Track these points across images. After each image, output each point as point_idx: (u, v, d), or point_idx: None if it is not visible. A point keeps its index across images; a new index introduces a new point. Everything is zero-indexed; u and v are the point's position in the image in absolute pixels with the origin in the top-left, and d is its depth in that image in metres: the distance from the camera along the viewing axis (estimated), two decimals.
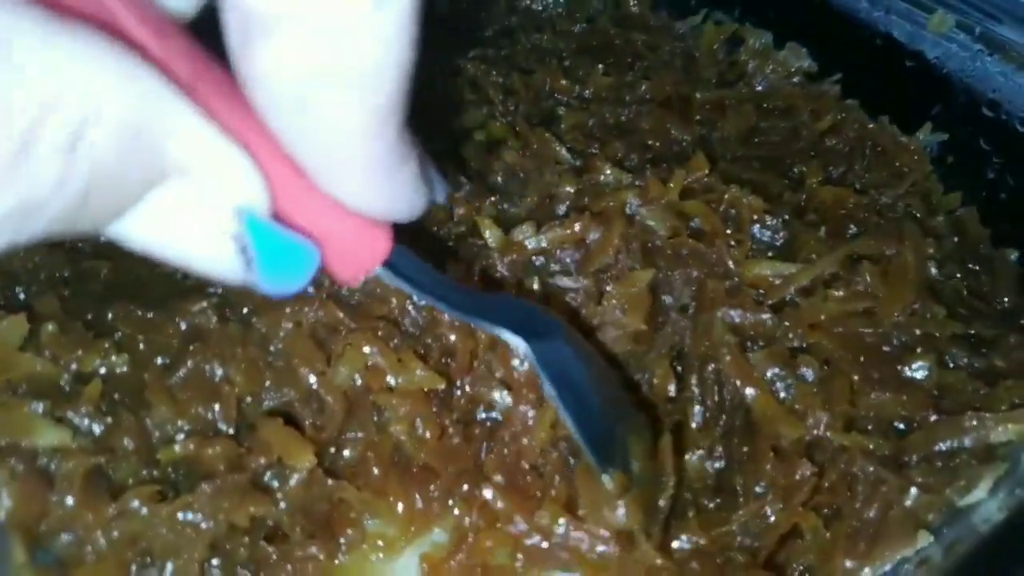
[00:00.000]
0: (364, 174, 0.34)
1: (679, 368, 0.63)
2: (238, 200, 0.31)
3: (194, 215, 0.30)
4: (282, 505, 0.52)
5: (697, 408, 0.61)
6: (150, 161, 0.28)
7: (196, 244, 0.31)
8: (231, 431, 0.54)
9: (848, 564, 0.49)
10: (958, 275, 0.68)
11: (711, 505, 0.58)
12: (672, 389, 0.61)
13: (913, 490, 0.50)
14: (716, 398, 0.60)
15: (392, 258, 0.40)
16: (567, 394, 0.51)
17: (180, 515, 0.50)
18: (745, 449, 0.58)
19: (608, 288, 0.63)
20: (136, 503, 0.47)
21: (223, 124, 0.30)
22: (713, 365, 0.61)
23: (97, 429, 0.50)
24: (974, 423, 0.53)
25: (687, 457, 0.59)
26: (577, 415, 0.51)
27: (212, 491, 0.50)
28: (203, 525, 0.50)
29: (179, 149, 0.28)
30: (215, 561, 0.51)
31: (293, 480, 0.53)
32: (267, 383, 0.56)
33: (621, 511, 0.51)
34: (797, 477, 0.53)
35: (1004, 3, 0.76)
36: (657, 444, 0.56)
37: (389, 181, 0.35)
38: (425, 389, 0.59)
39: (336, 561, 0.55)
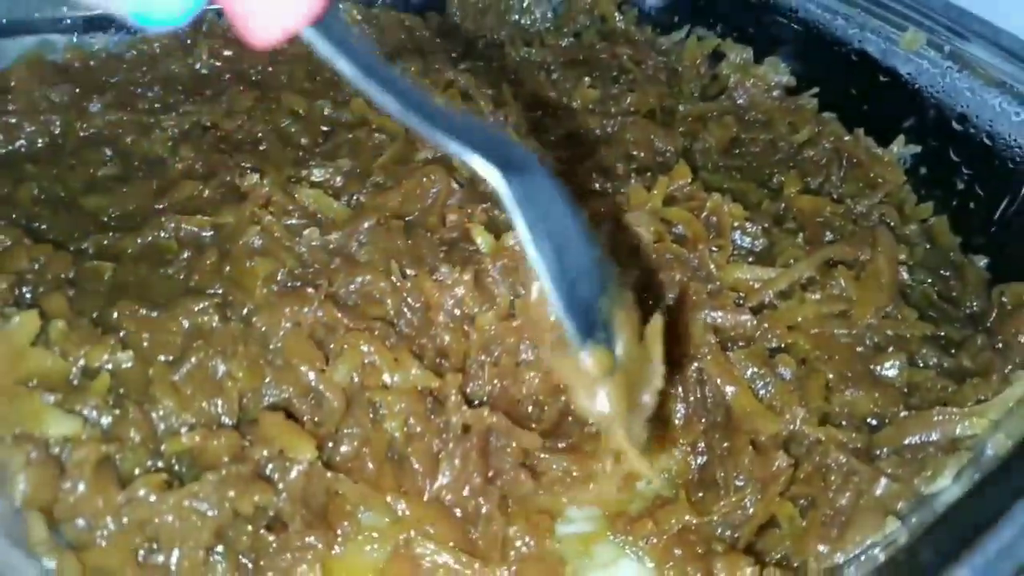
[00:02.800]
0: None
1: None
2: None
3: None
4: (283, 496, 0.54)
5: (680, 406, 0.63)
6: None
7: None
8: (233, 424, 0.56)
9: (821, 549, 0.52)
10: (929, 280, 0.71)
11: (694, 499, 0.61)
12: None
13: (883, 480, 0.53)
14: (698, 395, 0.63)
15: (324, 19, 0.32)
16: (546, 243, 0.41)
17: (186, 502, 0.51)
18: (726, 444, 0.60)
19: None
20: (144, 491, 0.49)
21: None
22: (695, 364, 0.64)
23: (105, 421, 0.52)
24: (942, 418, 0.56)
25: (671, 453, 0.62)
26: (556, 271, 0.42)
27: (217, 480, 0.52)
28: (208, 513, 0.52)
29: None
30: (219, 548, 0.53)
31: (293, 472, 0.54)
32: (267, 379, 0.59)
33: (602, 398, 0.45)
34: (774, 469, 0.55)
35: (971, 23, 0.80)
36: (645, 327, 0.48)
37: None
38: (419, 387, 0.61)
39: (333, 551, 0.57)
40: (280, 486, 0.55)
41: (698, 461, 0.62)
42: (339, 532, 0.57)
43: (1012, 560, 0.37)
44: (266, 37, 0.31)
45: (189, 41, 0.90)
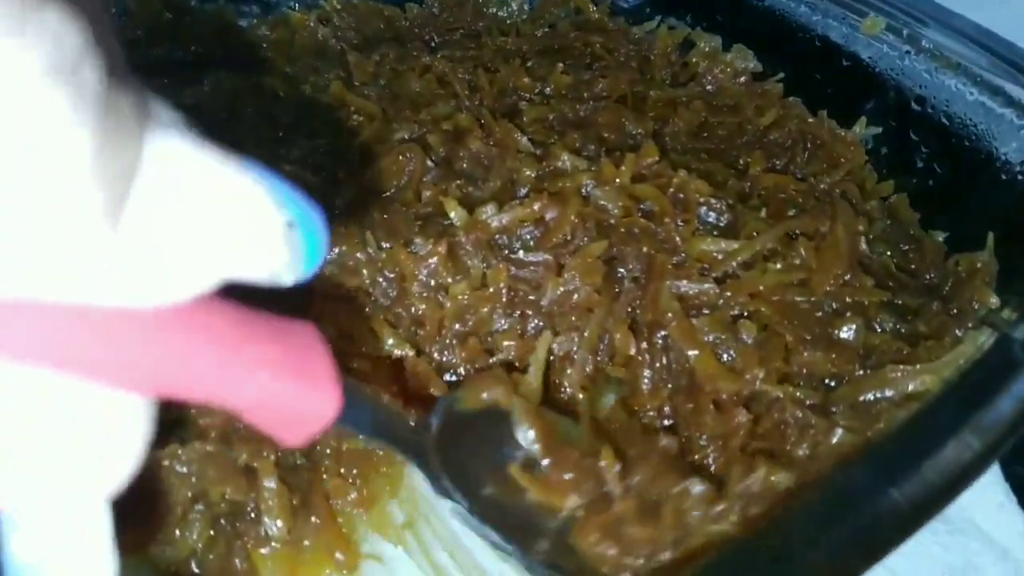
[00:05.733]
0: None
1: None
2: None
3: None
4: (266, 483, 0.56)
5: (647, 372, 0.66)
6: None
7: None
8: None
9: None
10: (888, 252, 0.74)
11: None
12: (632, 349, 0.66)
13: (838, 430, 0.55)
14: (664, 361, 0.65)
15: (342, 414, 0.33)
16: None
17: (166, 462, 0.53)
18: (690, 406, 0.62)
19: (566, 261, 0.68)
20: None
21: None
22: (661, 332, 0.66)
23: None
24: (896, 375, 0.59)
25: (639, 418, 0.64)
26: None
27: (202, 453, 0.54)
28: (190, 477, 0.53)
29: None
30: (199, 506, 0.55)
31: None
32: None
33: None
34: (733, 424, 0.57)
35: (929, 8, 0.83)
36: None
37: None
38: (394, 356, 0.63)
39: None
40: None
41: (664, 424, 0.64)
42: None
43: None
44: (298, 443, 0.32)
45: (173, 27, 0.92)
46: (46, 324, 0.24)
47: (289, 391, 0.30)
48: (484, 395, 0.59)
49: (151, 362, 0.26)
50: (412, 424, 0.54)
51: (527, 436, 0.57)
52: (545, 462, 0.56)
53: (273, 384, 0.29)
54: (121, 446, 0.28)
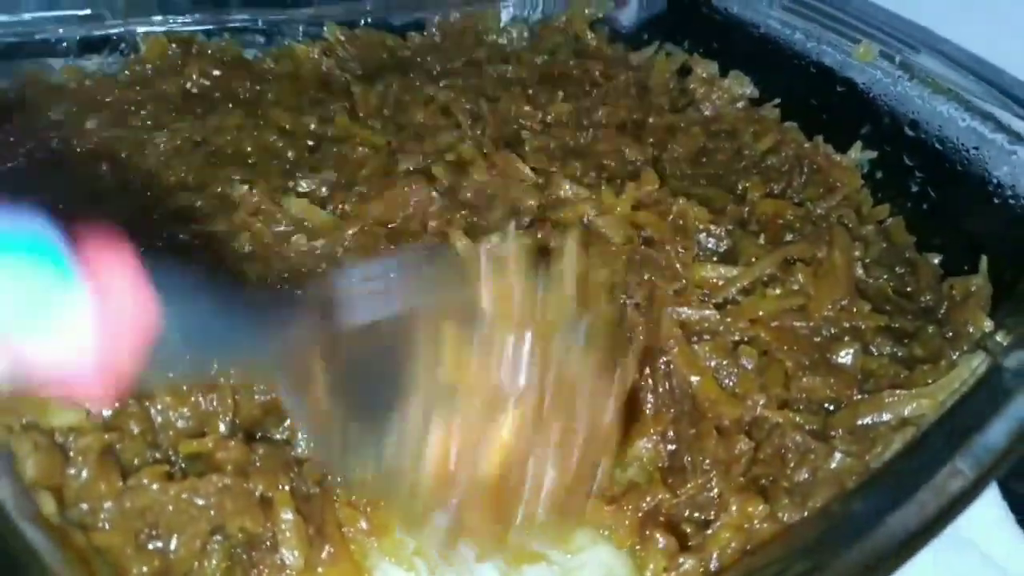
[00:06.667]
0: None
1: None
2: None
3: None
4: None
5: (650, 397, 0.67)
6: None
7: None
8: (227, 420, 0.60)
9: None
10: (884, 276, 0.76)
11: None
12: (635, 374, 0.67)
13: (837, 455, 0.56)
14: (666, 387, 0.67)
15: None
16: None
17: (185, 495, 0.54)
18: (692, 431, 0.64)
19: None
20: (146, 480, 0.52)
21: None
22: (664, 358, 0.67)
23: (106, 413, 0.55)
24: (892, 400, 0.60)
25: (643, 442, 0.66)
26: None
27: (220, 487, 0.55)
28: (207, 509, 0.55)
29: None
30: (217, 537, 0.56)
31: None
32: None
33: None
34: (736, 451, 0.59)
35: (920, 34, 0.85)
36: None
37: None
38: None
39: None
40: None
41: (668, 448, 0.66)
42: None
43: None
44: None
45: (180, 62, 0.94)
46: None
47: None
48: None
49: None
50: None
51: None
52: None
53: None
54: None
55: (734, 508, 0.57)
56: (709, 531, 0.57)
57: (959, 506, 0.42)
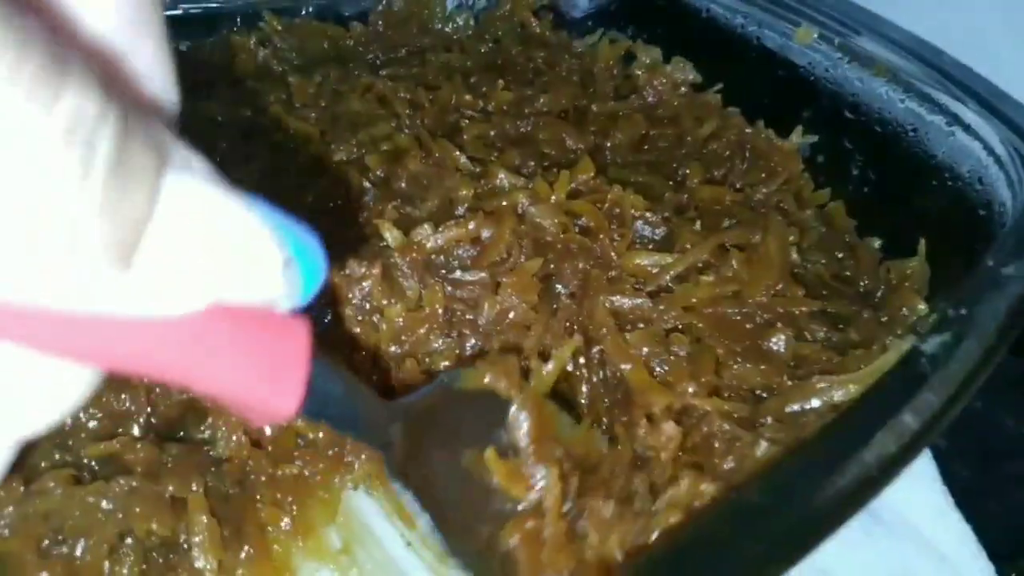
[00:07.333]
0: None
1: None
2: None
3: None
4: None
5: (584, 387, 0.66)
6: None
7: None
8: (142, 421, 0.58)
9: None
10: (823, 261, 0.75)
11: None
12: (570, 365, 0.66)
13: (763, 443, 0.56)
14: (600, 376, 0.66)
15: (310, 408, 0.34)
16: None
17: (91, 499, 0.53)
18: (624, 419, 0.63)
19: (503, 280, 0.68)
20: (52, 484, 0.51)
21: None
22: (597, 347, 0.66)
23: None
24: (821, 386, 0.59)
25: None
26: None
27: (127, 490, 0.53)
28: (115, 513, 0.53)
29: None
30: (128, 540, 0.54)
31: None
32: None
33: None
34: (663, 439, 0.58)
35: (861, 16, 0.84)
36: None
37: None
38: None
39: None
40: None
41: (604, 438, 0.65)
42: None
43: None
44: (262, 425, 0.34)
45: None
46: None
47: (252, 390, 0.31)
48: (487, 379, 0.56)
49: (127, 349, 0.28)
50: (383, 411, 0.50)
51: (520, 420, 0.53)
52: (525, 445, 0.52)
53: (236, 379, 0.30)
54: (55, 398, 0.29)
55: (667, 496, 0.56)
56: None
57: (864, 496, 0.41)
